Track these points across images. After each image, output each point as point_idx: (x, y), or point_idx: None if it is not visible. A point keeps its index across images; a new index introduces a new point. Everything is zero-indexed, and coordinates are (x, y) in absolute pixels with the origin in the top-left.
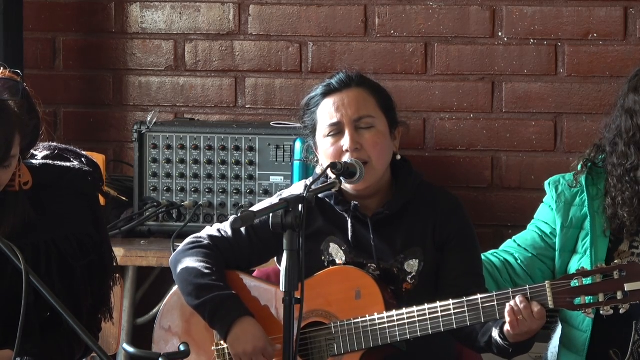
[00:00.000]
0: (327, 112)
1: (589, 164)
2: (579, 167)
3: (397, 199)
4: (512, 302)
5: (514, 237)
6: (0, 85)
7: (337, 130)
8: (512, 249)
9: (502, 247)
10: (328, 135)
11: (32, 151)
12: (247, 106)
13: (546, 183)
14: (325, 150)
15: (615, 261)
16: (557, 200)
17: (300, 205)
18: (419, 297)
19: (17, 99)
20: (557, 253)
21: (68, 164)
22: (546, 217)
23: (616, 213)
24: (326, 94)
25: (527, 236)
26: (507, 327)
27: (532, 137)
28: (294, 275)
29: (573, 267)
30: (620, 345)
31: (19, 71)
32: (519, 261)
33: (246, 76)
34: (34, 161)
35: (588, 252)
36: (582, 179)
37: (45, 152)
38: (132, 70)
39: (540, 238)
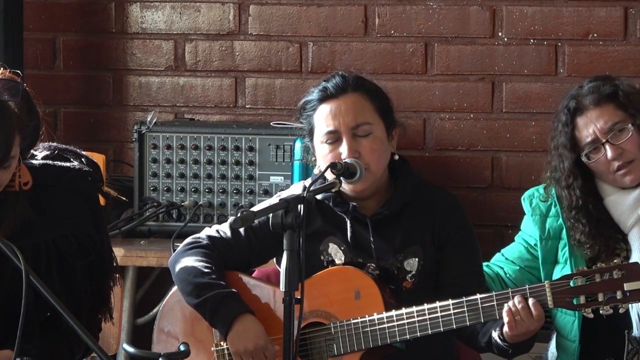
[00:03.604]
0: (323, 119)
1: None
2: (547, 179)
3: (396, 200)
4: (510, 303)
5: (501, 251)
6: (0, 85)
7: (334, 138)
8: (501, 262)
9: (492, 261)
10: (325, 142)
11: (32, 151)
12: (247, 106)
13: (522, 198)
14: (323, 156)
15: (615, 260)
16: (532, 214)
17: (300, 206)
18: (419, 295)
19: (17, 99)
20: (540, 265)
21: (68, 164)
22: (529, 229)
23: (584, 247)
24: (323, 99)
25: (513, 249)
26: (505, 327)
27: (532, 137)
28: (293, 275)
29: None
30: (615, 355)
31: (19, 71)
32: (508, 275)
33: (246, 76)
34: (34, 161)
35: (568, 261)
36: (552, 190)
37: (45, 152)
38: (132, 70)
39: (526, 250)
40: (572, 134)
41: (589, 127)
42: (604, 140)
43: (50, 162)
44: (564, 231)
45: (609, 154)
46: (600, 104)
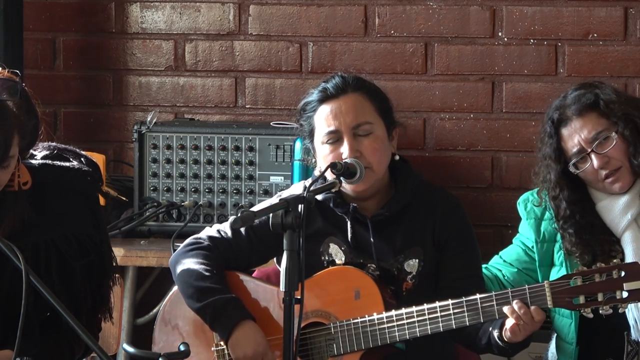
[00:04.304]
0: (324, 119)
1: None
2: (540, 183)
3: (397, 201)
4: (510, 309)
5: (500, 253)
6: None
7: (335, 138)
8: (499, 264)
9: (490, 263)
10: (326, 143)
11: (31, 151)
12: (247, 106)
13: (517, 202)
14: (324, 157)
15: (614, 260)
16: (527, 218)
17: (300, 206)
18: (419, 296)
19: (15, 99)
20: (537, 268)
21: (67, 163)
22: (526, 232)
23: (574, 256)
24: (323, 100)
25: (511, 251)
26: (508, 334)
27: (532, 137)
28: (294, 276)
29: None
30: (614, 356)
31: (17, 71)
32: (506, 277)
33: (246, 76)
34: (33, 161)
35: (564, 264)
36: (545, 194)
37: (45, 152)
38: (132, 70)
39: (524, 252)
40: (558, 145)
41: (574, 137)
42: (589, 150)
43: (50, 161)
44: (559, 234)
45: (595, 163)
46: (582, 114)
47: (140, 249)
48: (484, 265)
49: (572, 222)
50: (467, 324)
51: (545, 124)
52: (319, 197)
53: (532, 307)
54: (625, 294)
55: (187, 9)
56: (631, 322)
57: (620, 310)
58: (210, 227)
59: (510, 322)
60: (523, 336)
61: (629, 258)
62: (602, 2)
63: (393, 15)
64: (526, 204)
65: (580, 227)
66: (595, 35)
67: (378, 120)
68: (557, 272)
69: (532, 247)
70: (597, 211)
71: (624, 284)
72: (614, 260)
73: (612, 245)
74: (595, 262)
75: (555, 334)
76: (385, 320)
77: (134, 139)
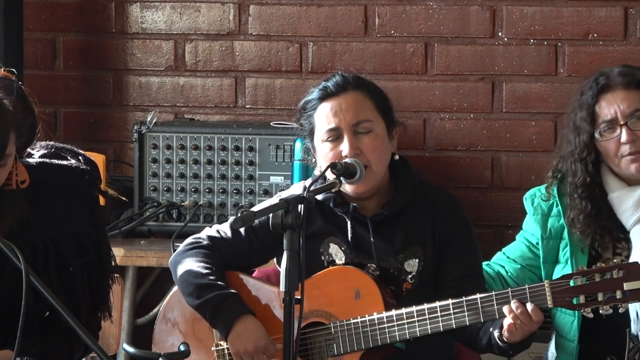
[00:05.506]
0: (324, 117)
1: (559, 175)
2: (549, 178)
3: (397, 200)
4: (508, 308)
5: (503, 249)
6: None
7: (335, 136)
8: (502, 261)
9: (493, 260)
10: (326, 141)
11: (29, 150)
12: (247, 106)
13: (524, 197)
14: (324, 155)
15: (615, 260)
16: (534, 214)
17: (300, 206)
18: (420, 296)
19: (12, 97)
20: (541, 265)
21: (65, 162)
22: (531, 228)
23: (575, 227)
24: (323, 98)
25: (515, 248)
26: (505, 333)
27: (532, 137)
28: (294, 275)
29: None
30: (616, 354)
31: (14, 70)
32: (509, 273)
33: (246, 76)
34: (31, 160)
35: (569, 261)
36: (554, 190)
37: (43, 151)
38: (132, 70)
39: (528, 249)
40: (593, 108)
41: (612, 106)
42: (622, 122)
43: (48, 160)
44: (566, 231)
45: (624, 136)
46: (629, 87)
47: (140, 249)
48: (486, 262)
49: (588, 193)
50: (467, 323)
51: (586, 87)
52: (319, 197)
53: (530, 307)
54: (625, 294)
55: (187, 9)
56: (632, 315)
57: (620, 310)
58: (210, 227)
59: (507, 321)
60: (521, 336)
61: (636, 251)
62: (602, 2)
63: (393, 15)
64: (533, 199)
65: (594, 201)
66: (595, 35)
67: (378, 119)
68: (562, 269)
69: (537, 243)
70: (609, 201)
71: (624, 284)
72: (615, 260)
73: (619, 242)
74: (595, 261)
75: (555, 334)
76: (385, 320)
77: (134, 139)
